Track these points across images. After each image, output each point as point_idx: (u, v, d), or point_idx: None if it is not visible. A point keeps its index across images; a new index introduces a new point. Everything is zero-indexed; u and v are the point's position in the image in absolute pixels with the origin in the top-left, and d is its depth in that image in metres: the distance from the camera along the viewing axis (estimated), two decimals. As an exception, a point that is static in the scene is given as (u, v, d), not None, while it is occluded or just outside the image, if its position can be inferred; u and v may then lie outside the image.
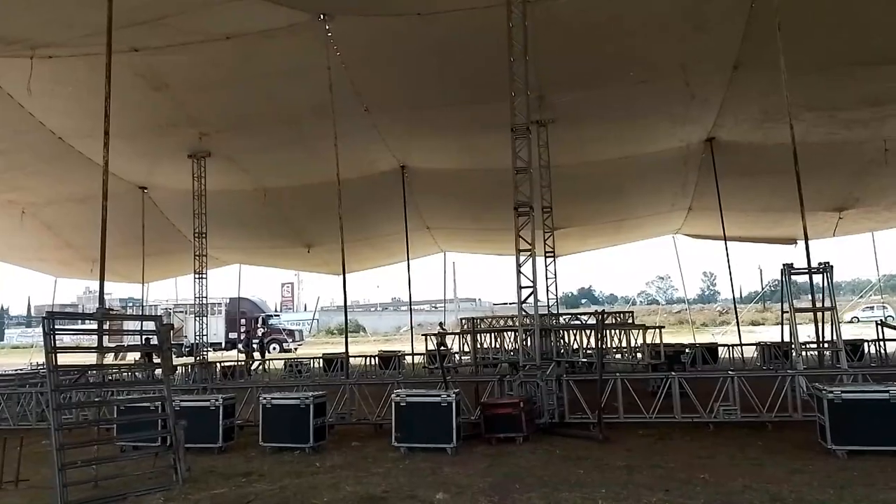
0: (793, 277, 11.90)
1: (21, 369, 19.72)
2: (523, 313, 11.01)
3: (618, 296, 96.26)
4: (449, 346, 19.81)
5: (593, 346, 15.04)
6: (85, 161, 17.20)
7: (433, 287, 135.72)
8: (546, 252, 18.64)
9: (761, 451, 8.17)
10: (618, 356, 15.35)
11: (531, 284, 10.92)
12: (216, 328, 34.73)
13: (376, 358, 20.85)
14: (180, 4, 10.80)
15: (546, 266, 18.95)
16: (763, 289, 56.29)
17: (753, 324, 42.82)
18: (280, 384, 13.52)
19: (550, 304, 19.25)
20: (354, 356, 19.34)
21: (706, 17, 12.27)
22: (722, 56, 13.41)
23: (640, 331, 14.59)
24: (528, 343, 11.32)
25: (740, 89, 14.61)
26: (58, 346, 7.46)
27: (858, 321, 37.57)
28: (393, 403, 9.10)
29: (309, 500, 6.76)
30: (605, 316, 15.09)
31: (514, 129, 11.06)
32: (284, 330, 41.12)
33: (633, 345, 14.95)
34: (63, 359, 7.66)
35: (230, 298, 37.87)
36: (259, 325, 39.12)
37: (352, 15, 12.05)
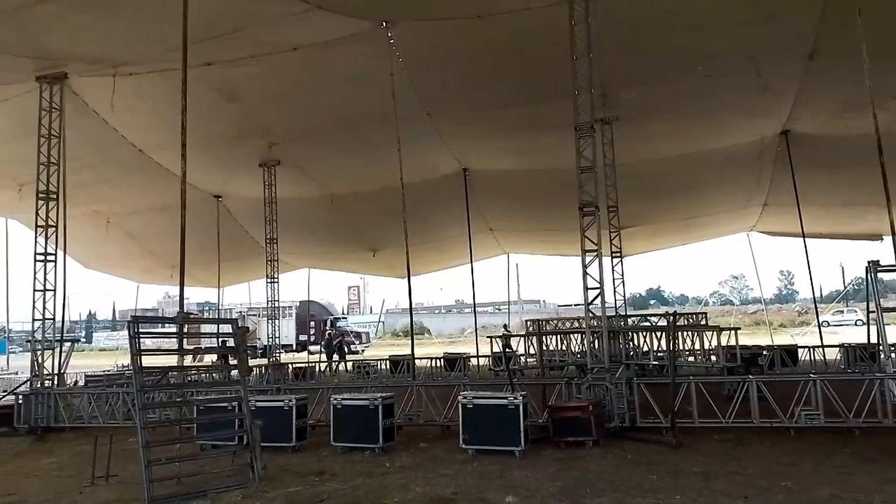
0: (879, 275, 11.20)
1: (108, 371, 20.87)
2: (590, 315, 10.82)
3: (689, 296, 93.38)
4: (514, 348, 19.71)
5: (664, 348, 14.63)
6: (164, 172, 18.11)
7: (496, 289, 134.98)
8: (612, 252, 18.29)
9: (849, 459, 7.75)
10: (690, 359, 14.88)
11: (598, 285, 10.74)
12: (287, 331, 35.80)
13: (442, 360, 20.97)
14: (250, 18, 11.18)
15: (613, 266, 18.58)
16: (846, 287, 53.37)
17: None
18: (349, 385, 13.79)
19: (618, 306, 18.86)
20: (420, 358, 19.53)
21: (778, 5, 11.74)
22: (796, 45, 12.80)
23: (714, 332, 14.07)
24: (596, 345, 11.12)
25: (816, 79, 13.90)
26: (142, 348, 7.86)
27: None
28: (460, 405, 9.13)
29: (380, 500, 6.87)
30: (677, 317, 14.64)
31: (577, 128, 10.91)
32: (352, 332, 41.90)
33: (706, 347, 14.44)
34: (146, 360, 8.07)
35: (300, 302, 38.95)
36: (328, 328, 40.01)
37: (413, 21, 12.18)
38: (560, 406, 9.56)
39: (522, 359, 17.93)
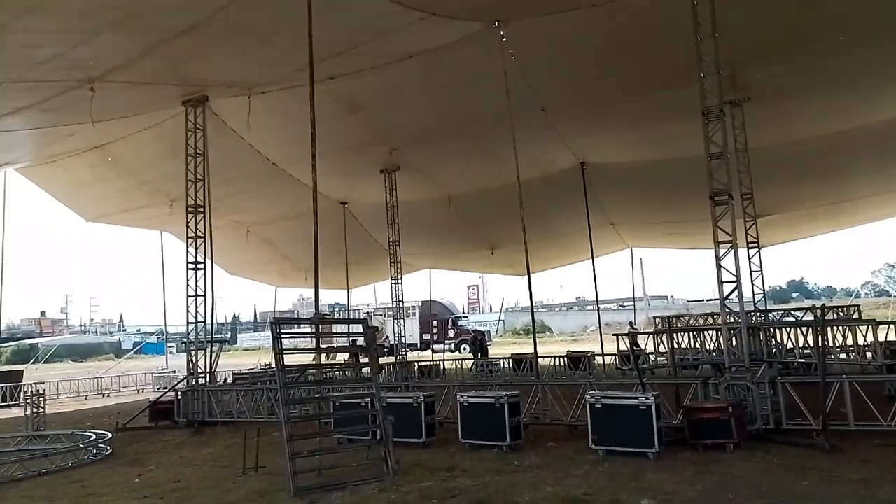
0: None
1: (252, 369, 22.51)
2: (726, 310, 10.20)
3: (836, 288, 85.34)
4: (642, 346, 19.01)
5: (811, 344, 13.49)
6: (295, 182, 19.30)
7: (620, 285, 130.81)
8: (749, 243, 17.14)
9: None
10: (842, 356, 13.61)
11: (734, 279, 10.09)
12: (411, 329, 36.81)
13: (565, 358, 20.64)
14: (368, 33, 11.62)
15: (749, 258, 17.40)
16: None
17: None
18: (474, 383, 13.94)
19: (756, 300, 17.64)
20: (543, 356, 19.32)
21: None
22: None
23: (870, 327, 12.77)
24: (734, 343, 10.45)
25: None
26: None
27: None
28: (588, 405, 8.94)
29: (511, 498, 6.88)
30: (826, 311, 13.44)
31: (705, 113, 10.32)
32: (474, 331, 42.29)
33: (860, 343, 13.14)
34: (286, 359, 8.61)
35: (422, 301, 39.93)
36: (450, 327, 40.69)
37: (525, 17, 12.10)
38: (697, 406, 9.09)
39: (651, 357, 17.25)
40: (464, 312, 61.35)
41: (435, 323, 40.59)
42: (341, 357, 22.63)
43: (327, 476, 8.05)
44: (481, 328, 45.21)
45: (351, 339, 18.75)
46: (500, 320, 62.14)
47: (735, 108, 15.18)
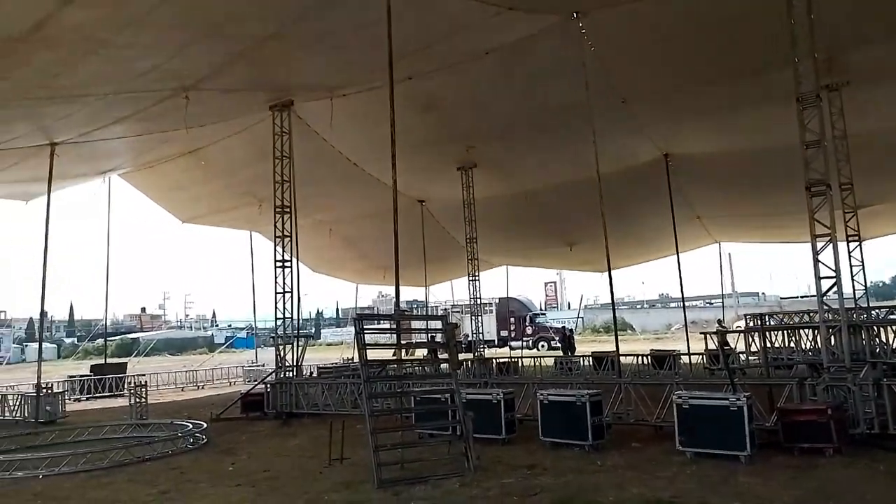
0: None
1: (336, 363, 23.20)
2: (825, 307, 9.61)
3: (949, 283, 78.64)
4: (731, 345, 18.21)
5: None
6: (374, 181, 19.69)
7: (706, 281, 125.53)
8: (848, 236, 16.07)
9: None
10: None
11: (832, 274, 9.49)
12: (489, 326, 36.77)
13: (649, 357, 20.06)
14: (445, 31, 11.69)
15: (849, 252, 16.32)
16: None
17: None
18: (553, 381, 13.78)
19: (858, 297, 16.52)
20: (625, 355, 18.86)
21: None
22: None
23: None
24: (833, 342, 9.83)
25: None
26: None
27: None
28: (674, 405, 8.66)
29: (594, 498, 6.76)
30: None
31: (799, 99, 9.75)
32: (551, 328, 41.84)
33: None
34: (368, 354, 8.80)
35: (499, 298, 39.84)
36: (527, 324, 40.41)
37: (604, 7, 11.83)
38: (793, 409, 8.63)
39: (742, 357, 16.50)
40: (541, 309, 60.73)
41: (512, 320, 40.42)
42: (420, 353, 22.95)
43: (409, 469, 8.18)
44: (558, 325, 44.69)
45: (430, 335, 19.02)
46: (578, 317, 61.07)
47: (832, 93, 14.25)
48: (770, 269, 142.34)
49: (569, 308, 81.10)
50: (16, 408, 15.94)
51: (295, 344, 15.56)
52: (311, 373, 19.61)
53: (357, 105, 14.88)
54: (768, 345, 15.73)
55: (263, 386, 15.19)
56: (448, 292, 37.06)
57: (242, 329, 70.06)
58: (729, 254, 51.81)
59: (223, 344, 54.82)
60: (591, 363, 21.07)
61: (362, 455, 8.69)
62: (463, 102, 15.69)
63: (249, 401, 14.87)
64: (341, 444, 9.11)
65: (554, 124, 16.34)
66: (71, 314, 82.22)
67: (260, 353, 32.41)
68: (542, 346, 39.26)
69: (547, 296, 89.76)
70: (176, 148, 17.77)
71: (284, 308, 15.52)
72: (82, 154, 15.74)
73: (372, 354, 9.12)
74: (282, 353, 15.23)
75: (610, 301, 14.08)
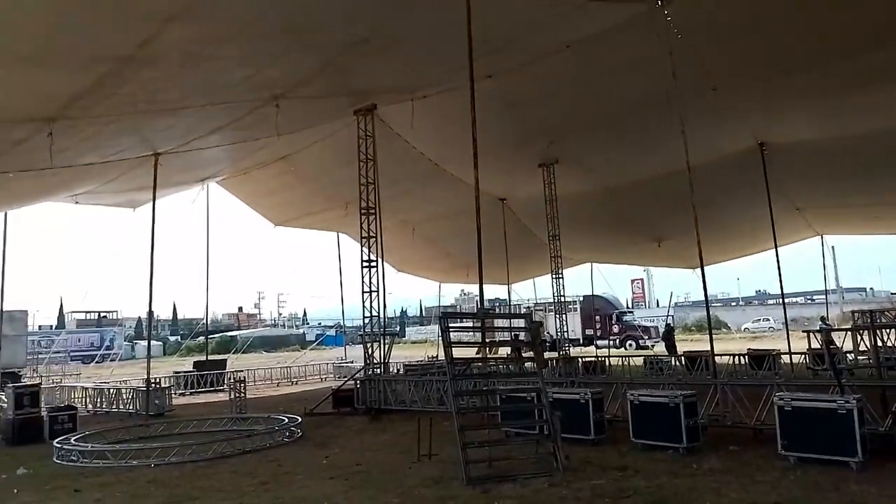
0: None
1: (421, 361, 23.53)
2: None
3: None
4: (837, 344, 17.06)
5: None
6: (455, 181, 19.83)
7: (807, 276, 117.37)
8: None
9: None
10: None
11: (955, 267, 8.70)
12: (573, 325, 36.19)
13: (746, 356, 19.11)
14: (525, 26, 11.60)
15: (973, 242, 14.93)
16: None
17: None
18: (644, 381, 13.39)
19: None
20: (720, 354, 18.06)
21: None
22: None
23: None
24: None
25: None
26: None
27: None
28: (775, 407, 8.21)
29: (690, 502, 6.53)
30: None
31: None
32: (639, 327, 40.64)
33: None
34: (453, 352, 8.87)
35: (584, 296, 39.11)
36: (614, 322, 39.45)
37: (692, -8, 11.36)
38: (909, 413, 7.99)
39: (849, 356, 15.42)
40: (628, 307, 59.15)
41: (598, 318, 39.56)
42: (503, 351, 22.88)
43: (497, 467, 8.19)
44: (647, 323, 43.35)
45: (513, 333, 18.96)
46: (668, 315, 58.95)
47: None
48: (879, 262, 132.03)
49: (657, 306, 78.54)
50: (129, 401, 17.19)
51: (382, 342, 15.92)
52: (398, 370, 19.99)
53: (437, 105, 15.02)
54: (880, 344, 14.60)
55: (353, 382, 15.64)
56: (530, 290, 36.75)
57: (331, 327, 72.33)
58: (832, 247, 48.49)
59: (314, 341, 56.84)
60: (683, 363, 20.32)
61: (450, 452, 8.78)
62: (544, 98, 15.51)
63: (340, 396, 15.36)
64: (429, 441, 9.23)
65: (638, 116, 15.86)
66: (174, 314, 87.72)
67: (348, 350, 33.34)
68: (630, 345, 38.19)
69: (634, 293, 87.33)
70: (268, 155, 18.58)
71: (371, 307, 15.90)
72: (183, 163, 16.74)
73: (456, 352, 9.18)
74: (369, 351, 15.62)
75: (703, 298, 13.48)
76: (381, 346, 15.86)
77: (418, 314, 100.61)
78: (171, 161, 16.02)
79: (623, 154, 18.41)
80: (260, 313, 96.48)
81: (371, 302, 15.95)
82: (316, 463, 9.60)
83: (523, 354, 17.60)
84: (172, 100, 11.59)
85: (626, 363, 21.37)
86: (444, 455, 9.05)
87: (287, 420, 12.59)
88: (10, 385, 14.99)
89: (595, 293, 37.26)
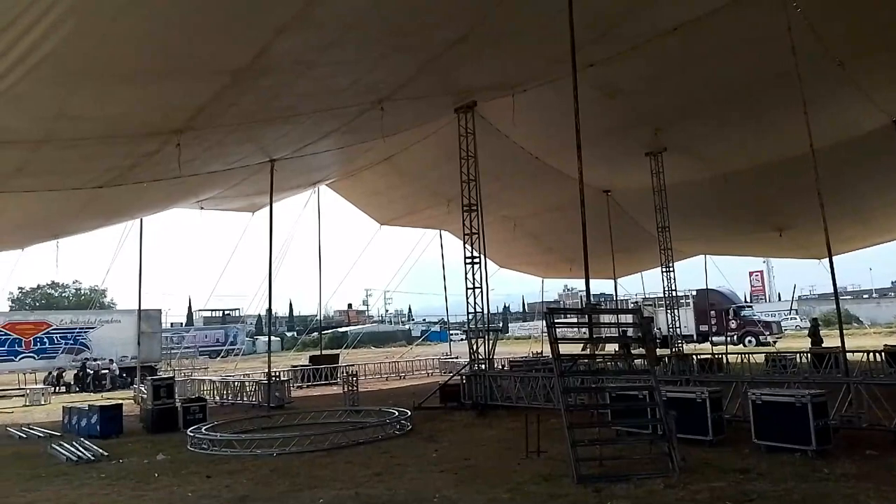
0: None
1: (525, 357, 23.41)
2: None
3: None
4: None
5: None
6: (557, 174, 19.56)
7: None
8: None
9: None
10: None
11: None
12: (685, 320, 34.62)
13: (882, 353, 17.49)
14: (628, 11, 11.22)
15: None
16: None
17: None
18: (766, 380, 12.61)
19: None
20: (852, 351, 16.65)
21: None
22: None
23: None
24: None
25: None
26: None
27: None
28: (921, 409, 7.47)
29: (822, 509, 6.09)
30: None
31: None
32: (760, 322, 38.21)
33: None
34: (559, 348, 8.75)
35: (697, 290, 37.31)
36: (731, 317, 37.36)
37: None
38: None
39: None
40: (746, 301, 55.77)
41: (713, 313, 37.55)
42: (609, 348, 22.31)
43: (609, 466, 8.02)
44: (768, 318, 40.71)
45: (622, 329, 18.39)
46: (791, 310, 55.08)
47: None
48: None
49: (779, 299, 73.56)
50: (252, 394, 18.34)
51: (486, 337, 16.00)
52: (503, 366, 20.03)
53: (537, 98, 14.88)
54: None
55: (459, 378, 15.82)
56: (638, 284, 35.60)
57: (436, 323, 73.56)
58: None
59: (419, 337, 58.02)
60: (808, 360, 18.92)
61: (559, 449, 8.69)
62: (648, 84, 14.93)
63: (447, 391, 15.59)
64: (537, 437, 9.18)
65: (752, 99, 14.95)
66: (290, 310, 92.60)
67: (453, 346, 33.76)
68: (750, 341, 36.03)
69: (752, 286, 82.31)
70: (373, 156, 19.18)
71: (475, 303, 16.02)
72: (296, 168, 17.63)
73: (563, 349, 9.06)
74: (475, 346, 15.74)
75: (830, 290, 12.47)
76: (486, 341, 15.94)
77: (521, 310, 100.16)
78: (286, 166, 16.91)
79: (737, 139, 17.39)
80: (368, 310, 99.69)
81: (475, 298, 16.06)
82: (426, 456, 9.81)
83: (632, 351, 17.08)
84: (286, 108, 12.22)
85: (745, 360, 20.17)
86: (553, 452, 8.97)
87: (397, 413, 12.95)
88: (149, 378, 16.43)
89: (709, 287, 35.46)
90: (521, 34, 11.29)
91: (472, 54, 11.50)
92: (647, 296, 35.77)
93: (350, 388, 16.28)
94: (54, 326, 27.48)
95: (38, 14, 6.67)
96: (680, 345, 22.76)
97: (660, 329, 30.00)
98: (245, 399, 18.45)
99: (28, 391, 22.71)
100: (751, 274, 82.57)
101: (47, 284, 67.82)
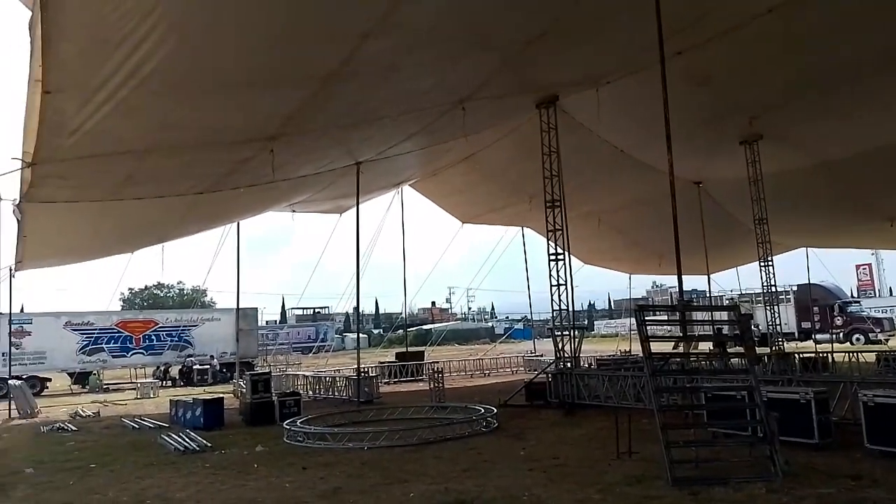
0: None
1: (612, 355, 22.90)
2: None
3: None
4: None
5: None
6: (643, 167, 18.97)
7: None
8: None
9: None
10: None
11: None
12: (786, 317, 32.75)
13: None
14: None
15: None
16: None
17: None
18: (878, 380, 11.73)
19: None
20: (980, 350, 15.24)
21: None
22: None
23: None
24: None
25: None
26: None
27: None
28: None
29: (949, 522, 5.61)
30: None
31: None
32: (869, 318, 35.58)
33: None
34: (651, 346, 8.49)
35: (798, 286, 35.20)
36: (836, 314, 34.98)
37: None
38: None
39: None
40: (853, 297, 52.02)
41: (816, 309, 35.27)
42: (701, 346, 21.45)
43: (705, 469, 7.70)
44: (879, 314, 37.80)
45: (716, 327, 17.61)
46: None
47: None
48: None
49: (890, 294, 68.16)
50: (342, 389, 18.92)
51: (572, 335, 15.75)
52: (590, 364, 19.65)
53: (621, 90, 14.47)
54: None
55: (545, 375, 15.67)
56: (733, 280, 33.93)
57: (519, 320, 73.17)
58: None
59: (502, 335, 57.91)
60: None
61: (651, 450, 8.44)
62: (741, 70, 14.21)
63: (533, 389, 15.47)
64: (628, 438, 8.96)
65: (858, 81, 13.96)
66: (377, 308, 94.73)
67: (537, 343, 33.48)
68: (858, 339, 33.62)
69: (860, 281, 76.66)
70: (455, 155, 19.31)
71: (560, 300, 15.81)
72: (380, 169, 18.03)
73: (653, 347, 8.78)
74: (560, 344, 15.53)
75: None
76: (572, 339, 15.70)
77: (606, 307, 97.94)
78: (371, 168, 17.33)
79: (840, 125, 16.27)
80: (451, 307, 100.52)
81: (559, 295, 15.85)
82: (513, 453, 9.79)
83: (728, 350, 16.32)
84: (370, 111, 12.53)
85: (852, 359, 18.85)
86: (646, 453, 8.72)
87: (483, 410, 12.98)
88: (248, 373, 17.27)
89: (812, 281, 33.36)
90: (605, 25, 11.03)
91: (554, 48, 11.35)
92: (742, 292, 34.11)
93: (436, 384, 16.48)
94: (161, 324, 29.40)
95: (144, 32, 7.16)
96: (780, 343, 21.54)
97: (758, 327, 28.51)
98: (336, 394, 19.04)
99: (139, 385, 24.43)
100: (857, 267, 76.77)
101: (154, 285, 72.65)
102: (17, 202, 12.39)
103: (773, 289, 20.76)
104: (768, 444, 7.56)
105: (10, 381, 19.56)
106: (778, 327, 21.18)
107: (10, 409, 18.15)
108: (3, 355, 23.27)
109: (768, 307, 20.98)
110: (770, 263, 20.18)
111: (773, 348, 20.32)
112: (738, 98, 15.49)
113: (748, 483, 7.12)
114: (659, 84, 9.31)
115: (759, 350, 20.88)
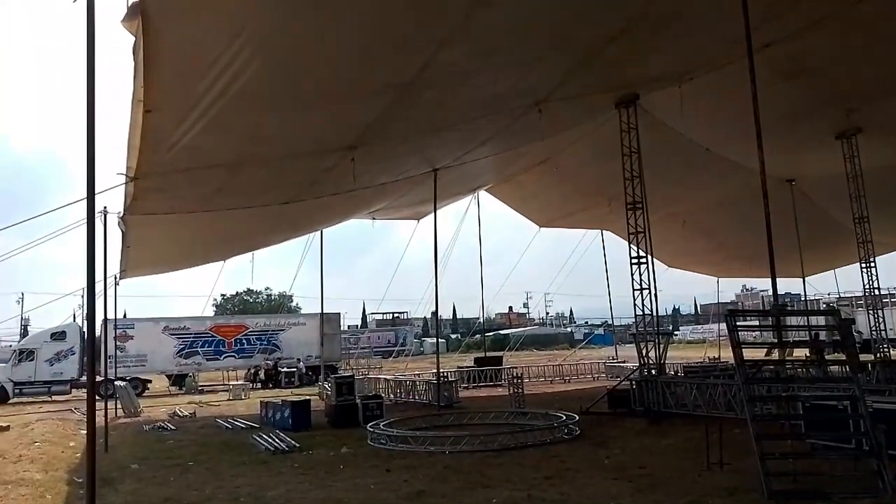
0: None
1: (700, 362, 22.02)
2: None
3: None
4: None
5: None
6: (730, 165, 18.18)
7: None
8: None
9: None
10: None
11: None
12: (891, 322, 30.42)
13: None
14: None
15: None
16: None
17: None
18: None
19: None
20: None
21: None
22: None
23: None
24: None
25: None
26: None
27: None
28: None
29: None
30: None
31: None
32: None
33: None
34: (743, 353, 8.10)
35: (904, 288, 32.72)
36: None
37: None
38: None
39: None
40: (971, 299, 47.65)
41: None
42: (797, 353, 20.28)
43: (803, 483, 7.29)
44: None
45: (812, 332, 16.61)
46: None
47: None
48: None
49: None
50: (423, 393, 19.13)
51: (657, 341, 15.27)
52: (675, 371, 18.99)
53: (706, 86, 13.93)
54: None
55: (628, 383, 15.26)
56: (830, 283, 31.90)
57: (599, 326, 71.59)
58: None
59: (582, 340, 56.85)
60: None
61: (744, 462, 8.06)
62: (837, 60, 13.42)
63: (616, 396, 15.11)
64: (719, 448, 8.59)
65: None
66: (454, 313, 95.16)
67: (619, 349, 32.69)
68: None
69: (975, 282, 70.22)
70: (530, 159, 19.18)
71: (643, 305, 15.36)
72: (457, 175, 18.14)
73: (746, 354, 8.38)
74: (645, 351, 15.08)
75: None
76: (657, 345, 15.21)
77: (692, 312, 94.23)
78: (447, 174, 17.48)
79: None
80: (529, 312, 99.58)
81: (643, 300, 15.41)
82: (597, 462, 9.60)
83: (826, 357, 15.36)
84: (447, 117, 12.65)
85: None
86: (738, 465, 8.33)
87: (564, 417, 12.79)
88: (332, 376, 17.76)
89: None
90: (687, 21, 10.67)
91: (635, 45, 11.07)
92: (840, 295, 32.03)
93: (515, 389, 16.38)
94: (251, 329, 30.73)
95: (233, 53, 7.55)
96: (886, 350, 20.07)
97: (860, 332, 26.67)
98: (416, 397, 19.27)
99: (231, 387, 25.62)
100: (975, 268, 70.48)
101: (244, 291, 75.94)
102: (122, 215, 13.31)
103: (877, 291, 19.37)
104: (875, 458, 7.06)
105: (115, 383, 20.99)
106: (882, 333, 19.74)
107: (116, 409, 19.49)
108: (109, 358, 24.99)
109: (871, 311, 19.59)
110: (872, 264, 18.85)
111: (878, 355, 18.94)
112: (834, 90, 14.63)
113: (852, 499, 6.70)
114: (746, 77, 8.91)
115: (861, 357, 19.56)
